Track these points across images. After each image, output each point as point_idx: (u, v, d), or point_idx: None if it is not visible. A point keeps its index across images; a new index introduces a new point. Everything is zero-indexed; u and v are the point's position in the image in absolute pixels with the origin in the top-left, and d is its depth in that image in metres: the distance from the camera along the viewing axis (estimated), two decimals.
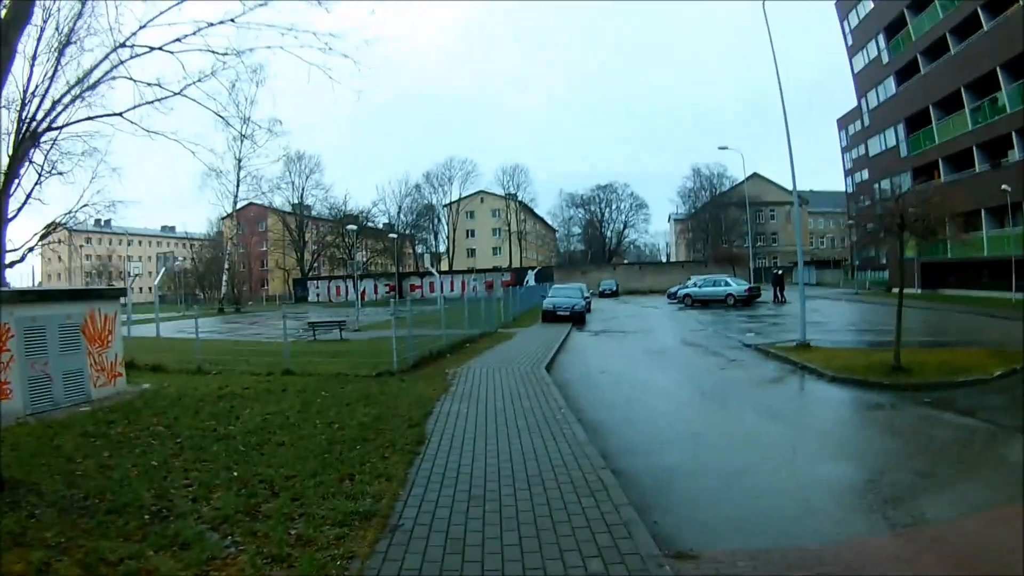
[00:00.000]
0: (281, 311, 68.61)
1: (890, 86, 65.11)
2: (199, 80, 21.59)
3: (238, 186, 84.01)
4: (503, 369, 19.44)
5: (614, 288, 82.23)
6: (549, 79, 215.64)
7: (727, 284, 54.94)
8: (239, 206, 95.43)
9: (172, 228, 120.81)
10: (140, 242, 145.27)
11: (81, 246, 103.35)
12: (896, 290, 24.31)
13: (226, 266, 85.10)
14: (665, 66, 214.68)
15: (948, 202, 19.29)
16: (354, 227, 75.74)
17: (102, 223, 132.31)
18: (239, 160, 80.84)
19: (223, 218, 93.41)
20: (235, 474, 9.25)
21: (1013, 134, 46.73)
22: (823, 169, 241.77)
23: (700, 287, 55.52)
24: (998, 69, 47.01)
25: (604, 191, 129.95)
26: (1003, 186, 44.86)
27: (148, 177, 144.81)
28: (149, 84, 21.11)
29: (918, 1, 57.70)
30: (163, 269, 55.60)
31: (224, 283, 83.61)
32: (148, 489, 8.61)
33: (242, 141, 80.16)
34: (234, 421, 12.71)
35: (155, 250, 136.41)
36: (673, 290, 62.66)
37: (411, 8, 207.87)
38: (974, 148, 51.26)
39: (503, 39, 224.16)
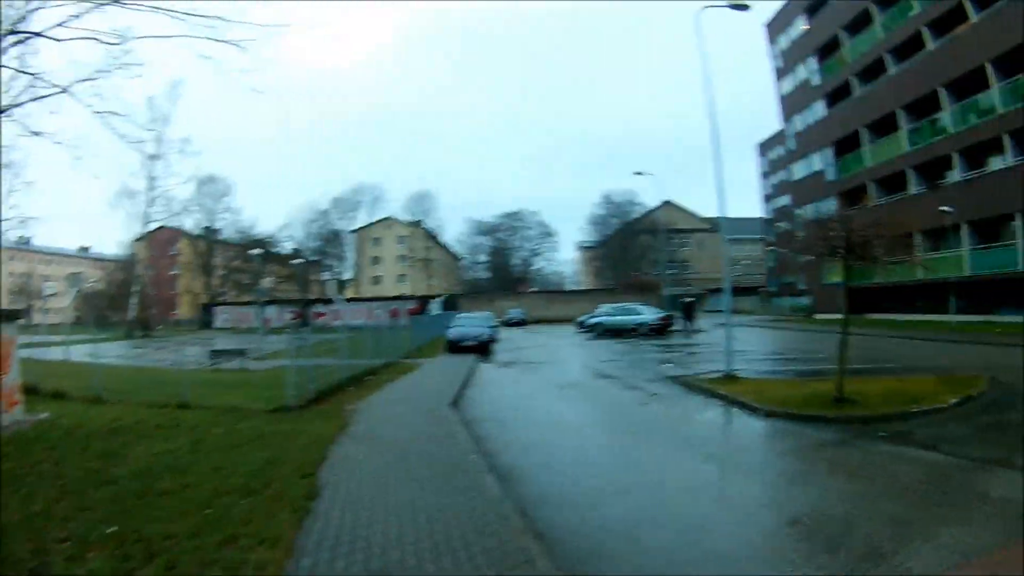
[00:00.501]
0: (186, 337, 67.32)
1: (819, 109, 65.58)
2: (94, 78, 19.39)
3: (149, 206, 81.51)
4: (406, 405, 18.04)
5: (521, 317, 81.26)
6: (462, 107, 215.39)
7: (639, 312, 53.31)
8: (152, 227, 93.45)
9: (87, 249, 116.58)
10: (59, 262, 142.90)
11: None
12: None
13: (134, 289, 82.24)
14: (580, 94, 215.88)
15: (898, 223, 17.38)
16: (258, 252, 73.49)
17: (23, 241, 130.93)
18: (151, 180, 78.99)
19: (136, 240, 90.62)
20: (114, 529, 7.83)
21: (954, 155, 47.29)
22: (738, 196, 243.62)
23: (611, 316, 53.88)
24: (941, 89, 47.43)
25: (511, 218, 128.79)
26: (942, 207, 44.48)
27: (72, 196, 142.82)
28: (33, 74, 18.86)
29: (855, 22, 58.17)
30: (74, 291, 53.14)
31: (132, 307, 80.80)
32: (28, 540, 7.52)
33: (154, 161, 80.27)
34: (121, 461, 11.29)
35: (73, 270, 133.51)
36: (583, 319, 61.15)
37: (322, 31, 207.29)
38: (908, 170, 51.68)
39: (419, 65, 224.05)
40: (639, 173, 63.88)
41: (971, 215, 46.41)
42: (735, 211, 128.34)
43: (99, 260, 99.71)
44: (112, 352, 43.47)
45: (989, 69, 43.83)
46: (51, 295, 50.62)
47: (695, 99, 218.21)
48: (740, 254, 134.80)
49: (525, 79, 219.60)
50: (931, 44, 49.22)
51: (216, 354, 32.85)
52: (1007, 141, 43.49)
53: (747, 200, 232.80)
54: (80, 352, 38.59)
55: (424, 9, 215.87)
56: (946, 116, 48.22)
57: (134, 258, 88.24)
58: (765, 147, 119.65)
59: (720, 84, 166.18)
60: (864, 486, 10.34)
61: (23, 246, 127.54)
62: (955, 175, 48.10)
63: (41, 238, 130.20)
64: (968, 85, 46.01)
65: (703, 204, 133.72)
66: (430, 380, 24.43)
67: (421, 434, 13.86)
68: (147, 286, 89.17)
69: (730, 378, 21.77)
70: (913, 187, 51.59)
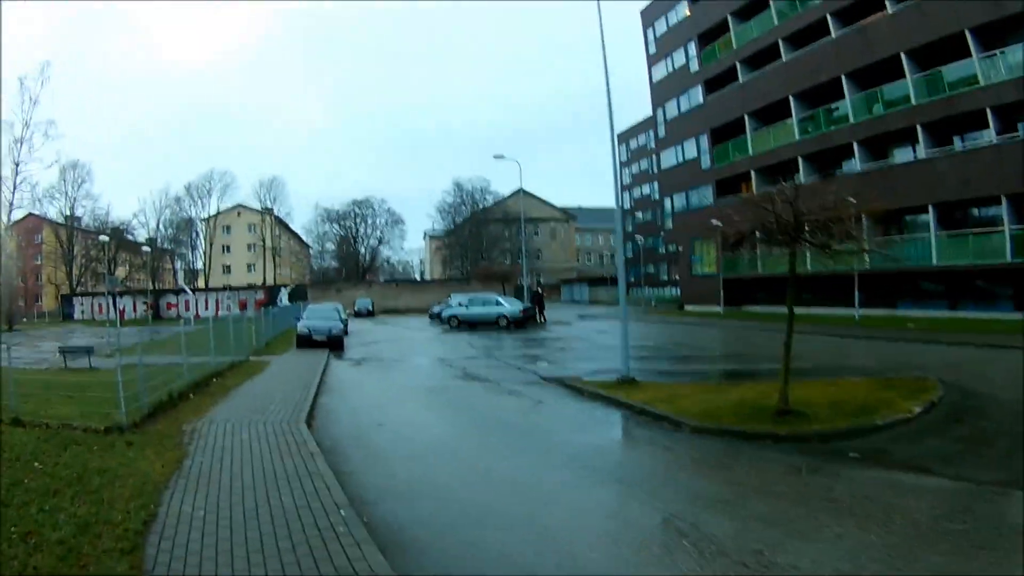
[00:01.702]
0: (45, 331, 64.09)
1: (696, 96, 64.69)
2: None
3: (14, 192, 77.41)
4: (253, 423, 15.30)
5: (370, 307, 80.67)
6: (313, 93, 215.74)
7: (498, 304, 52.20)
8: (18, 218, 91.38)
9: None
10: None
11: None
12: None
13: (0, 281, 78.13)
14: (433, 83, 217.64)
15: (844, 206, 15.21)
16: (105, 238, 70.47)
17: None
18: (16, 164, 75.40)
19: (7, 228, 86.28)
20: None
21: (855, 144, 46.87)
22: (596, 185, 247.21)
23: (468, 307, 52.61)
24: (843, 78, 46.70)
25: (360, 206, 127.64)
26: (847, 198, 43.91)
27: None
28: None
29: (747, 8, 57.44)
30: None
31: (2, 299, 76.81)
32: None
33: (21, 144, 76.45)
34: None
35: None
36: (436, 310, 60.68)
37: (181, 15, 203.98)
38: (800, 159, 50.64)
39: (274, 53, 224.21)
40: (499, 156, 61.51)
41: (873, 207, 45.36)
42: (588, 201, 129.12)
43: None
44: None
45: (904, 60, 43.17)
46: None
47: (535, 88, 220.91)
48: (593, 244, 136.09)
49: (372, 76, 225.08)
50: (835, 32, 48.60)
51: (65, 352, 30.16)
52: (921, 133, 43.01)
53: (604, 189, 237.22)
54: None
55: (279, 9, 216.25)
56: (847, 105, 47.74)
57: (6, 252, 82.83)
58: (625, 136, 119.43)
59: (580, 71, 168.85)
60: (875, 530, 8.11)
61: None
62: (855, 165, 47.40)
63: None
64: (875, 75, 45.53)
65: (555, 193, 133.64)
66: (280, 385, 22.28)
67: (273, 472, 11.10)
68: (9, 278, 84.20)
69: (628, 382, 19.74)
70: (803, 176, 49.97)
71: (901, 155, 45.70)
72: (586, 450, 13.21)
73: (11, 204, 78.21)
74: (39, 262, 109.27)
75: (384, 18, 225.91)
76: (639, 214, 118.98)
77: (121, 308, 78.44)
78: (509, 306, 51.23)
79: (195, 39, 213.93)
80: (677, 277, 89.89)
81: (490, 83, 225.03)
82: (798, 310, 43.21)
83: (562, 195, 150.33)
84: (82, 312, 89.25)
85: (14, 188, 77.00)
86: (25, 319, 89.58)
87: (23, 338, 54.58)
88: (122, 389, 14.89)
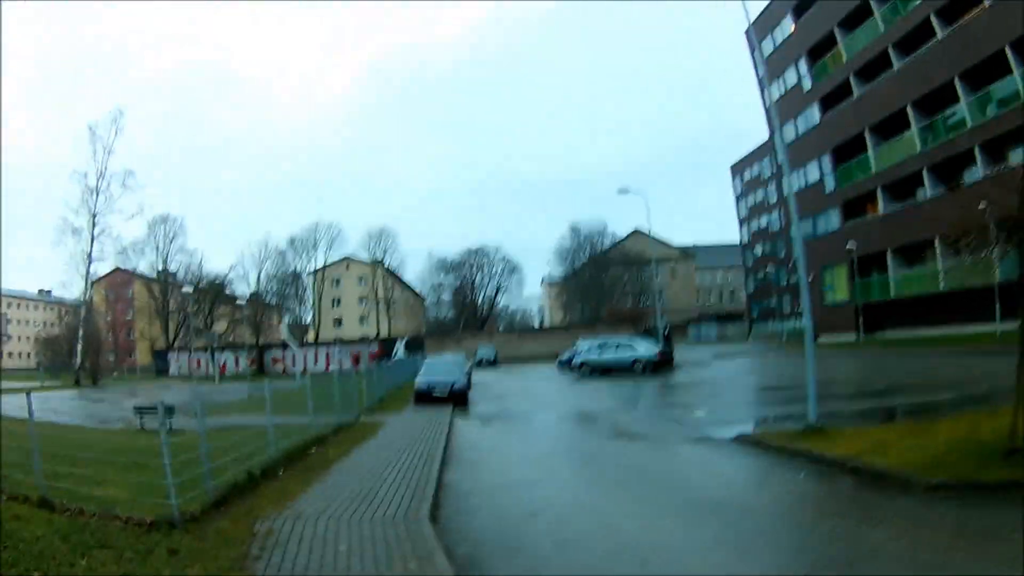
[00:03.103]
0: (133, 386, 62.11)
1: (812, 115, 60.24)
2: None
3: (92, 244, 76.72)
4: (356, 519, 10.79)
5: (492, 357, 76.17)
6: (419, 146, 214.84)
7: (632, 347, 47.44)
8: (106, 272, 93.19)
9: (48, 292, 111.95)
10: (19, 305, 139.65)
11: None
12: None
13: (80, 334, 76.62)
14: (543, 133, 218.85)
15: None
16: (189, 289, 68.05)
17: None
18: (93, 216, 73.88)
19: (93, 283, 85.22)
20: None
21: (976, 148, 42.32)
22: (710, 221, 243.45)
23: (600, 353, 48.14)
24: (956, 80, 42.77)
25: (475, 255, 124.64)
26: (980, 205, 40.25)
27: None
28: None
29: (852, 17, 53.93)
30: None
31: (79, 353, 75.20)
32: None
33: (96, 195, 75.13)
34: None
35: (32, 314, 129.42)
36: (565, 357, 56.23)
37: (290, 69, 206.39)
38: (924, 172, 46.75)
39: (378, 104, 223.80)
40: (624, 191, 57.86)
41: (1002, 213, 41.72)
42: (707, 237, 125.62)
43: (60, 304, 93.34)
44: (45, 404, 37.76)
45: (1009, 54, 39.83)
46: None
47: (647, 127, 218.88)
48: (712, 283, 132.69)
49: (478, 123, 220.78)
50: (940, 32, 45.25)
51: (142, 411, 27.22)
52: None
53: (719, 225, 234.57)
54: (11, 404, 32.83)
55: (378, 57, 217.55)
56: (963, 108, 43.98)
57: (85, 302, 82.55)
58: (738, 167, 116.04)
59: (683, 112, 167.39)
60: None
61: None
62: (977, 172, 42.75)
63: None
64: (985, 73, 42.10)
65: (671, 233, 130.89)
66: (395, 454, 17.47)
67: None
68: (96, 331, 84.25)
69: (816, 431, 15.95)
70: (929, 190, 47.10)
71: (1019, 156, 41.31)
72: (830, 541, 9.18)
73: (90, 255, 76.99)
74: (130, 317, 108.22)
75: (491, 67, 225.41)
76: (758, 247, 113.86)
77: (222, 363, 78.42)
78: (644, 349, 47.13)
79: (300, 94, 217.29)
80: (798, 309, 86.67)
81: (589, 130, 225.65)
82: (931, 331, 39.09)
83: (678, 235, 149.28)
84: (178, 368, 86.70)
85: (91, 240, 75.77)
86: (116, 374, 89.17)
87: (107, 394, 52.88)
88: (171, 472, 10.80)
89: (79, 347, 76.50)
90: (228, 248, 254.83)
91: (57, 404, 40.86)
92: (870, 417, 19.24)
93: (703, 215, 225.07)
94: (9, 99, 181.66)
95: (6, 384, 42.69)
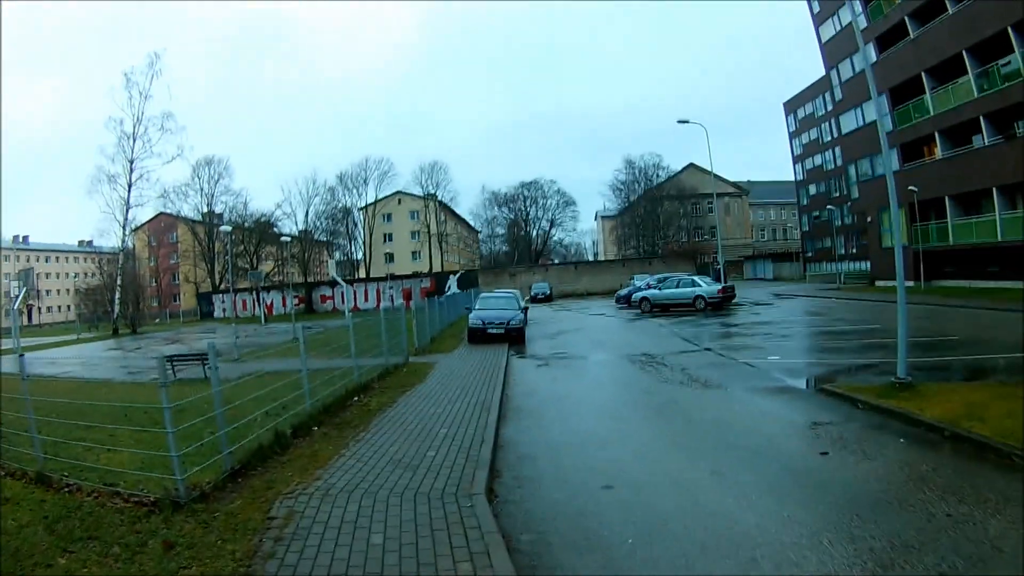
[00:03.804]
0: (175, 331, 61.31)
1: (869, 54, 57.47)
2: None
3: (129, 190, 75.79)
4: (396, 496, 8.99)
5: (547, 292, 75.27)
6: (473, 83, 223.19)
7: (695, 284, 45.96)
8: (149, 217, 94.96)
9: (89, 243, 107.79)
10: (57, 258, 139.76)
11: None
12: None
13: (119, 283, 76.12)
14: (597, 72, 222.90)
15: None
16: (227, 228, 66.89)
17: (19, 239, 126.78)
18: (131, 162, 73.01)
19: (134, 230, 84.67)
20: None
21: None
22: (766, 158, 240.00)
23: (661, 289, 46.98)
24: (1009, 29, 40.74)
25: (529, 188, 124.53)
26: None
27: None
28: None
29: None
30: (23, 288, 47.09)
31: (117, 301, 74.60)
32: None
33: (133, 140, 74.25)
34: None
35: (71, 267, 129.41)
36: (623, 292, 55.43)
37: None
38: (981, 119, 44.46)
39: (430, 43, 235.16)
40: (684, 121, 56.01)
41: None
42: (762, 175, 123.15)
43: (101, 254, 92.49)
44: (80, 356, 40.36)
45: None
46: (22, 294, 45.06)
47: (699, 68, 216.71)
48: (765, 219, 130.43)
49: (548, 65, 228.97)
50: None
51: (171, 361, 24.75)
52: None
53: (775, 162, 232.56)
54: (42, 359, 35.79)
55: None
56: (1017, 58, 41.33)
57: (123, 249, 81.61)
58: (791, 105, 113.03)
59: (730, 41, 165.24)
60: None
61: (21, 245, 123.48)
62: None
63: (39, 234, 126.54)
64: None
65: (724, 169, 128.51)
66: (445, 405, 15.60)
67: None
68: (135, 278, 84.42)
69: (906, 386, 14.38)
70: (987, 138, 44.78)
71: None
72: (952, 529, 7.72)
73: (127, 202, 75.91)
74: (174, 261, 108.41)
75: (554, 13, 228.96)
76: (812, 187, 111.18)
77: (268, 303, 79.42)
78: (706, 286, 45.53)
79: (359, 41, 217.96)
80: (854, 251, 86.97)
81: (644, 68, 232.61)
82: (989, 283, 37.56)
83: (731, 172, 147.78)
84: (223, 310, 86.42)
85: (129, 187, 74.75)
86: (158, 320, 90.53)
87: (144, 342, 52.32)
88: (175, 442, 9.14)
89: (117, 296, 76.20)
90: (275, 188, 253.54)
91: (90, 356, 40.62)
92: (953, 372, 17.75)
93: (756, 153, 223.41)
94: (53, 55, 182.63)
95: (41, 340, 41.80)
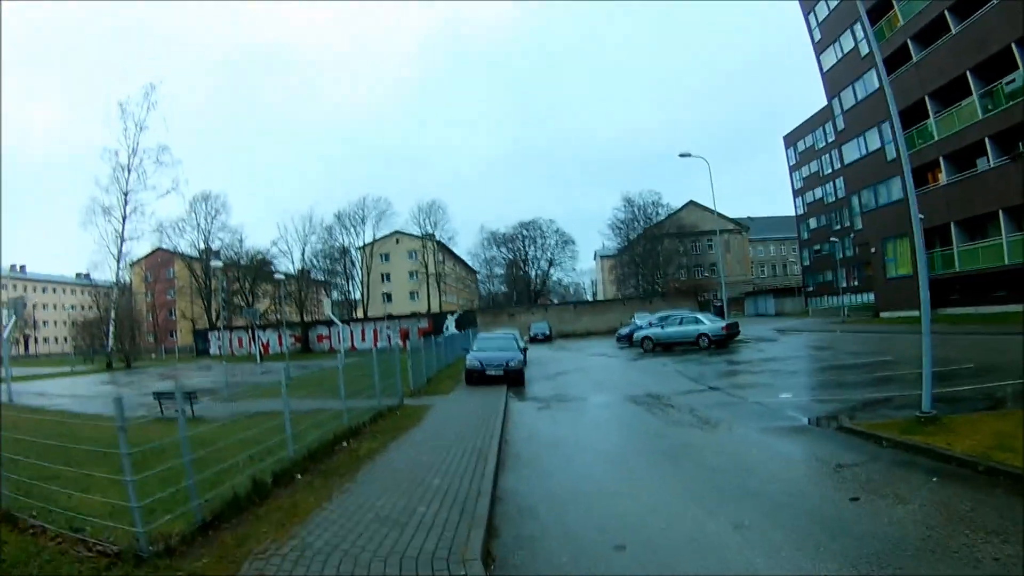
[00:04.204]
0: (169, 368, 60.77)
1: (871, 81, 57.32)
2: None
3: (124, 223, 75.56)
4: (383, 558, 8.06)
5: (547, 332, 74.39)
6: (469, 123, 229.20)
7: (698, 321, 44.95)
8: (146, 252, 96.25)
9: (86, 275, 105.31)
10: (55, 289, 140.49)
11: None
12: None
13: (112, 316, 75.60)
14: (592, 111, 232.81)
15: None
16: (218, 263, 66.63)
17: (17, 268, 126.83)
18: (125, 194, 72.80)
19: (131, 264, 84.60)
20: None
21: None
22: (764, 193, 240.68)
23: (663, 327, 45.96)
24: (1013, 46, 40.61)
25: (528, 228, 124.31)
26: None
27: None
28: None
29: None
30: (12, 317, 46.63)
31: (111, 335, 74.18)
32: None
33: (128, 172, 73.83)
34: None
35: (68, 299, 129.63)
36: (625, 331, 54.30)
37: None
38: (986, 140, 44.30)
39: (426, 82, 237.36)
40: (685, 155, 55.39)
41: None
42: (761, 210, 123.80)
43: (96, 287, 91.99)
44: (69, 389, 40.32)
45: None
46: (12, 322, 45.34)
47: (694, 99, 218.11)
48: (765, 255, 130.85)
49: (522, 97, 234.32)
50: None
51: (161, 397, 25.12)
52: None
53: (774, 197, 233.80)
54: (31, 390, 36.41)
55: (429, 32, 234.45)
56: (1021, 75, 41.16)
57: (117, 283, 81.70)
58: (791, 138, 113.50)
59: (731, 77, 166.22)
60: None
61: (18, 274, 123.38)
62: None
63: (36, 265, 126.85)
64: None
65: (723, 204, 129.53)
66: (439, 451, 14.54)
67: None
68: (130, 313, 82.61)
69: (931, 420, 13.74)
70: (992, 159, 44.38)
71: None
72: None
73: (122, 235, 75.76)
74: (171, 297, 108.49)
75: (540, 44, 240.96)
76: (812, 220, 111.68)
77: (264, 342, 78.66)
78: (709, 323, 44.51)
79: (348, 71, 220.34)
80: (856, 283, 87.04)
81: (641, 104, 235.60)
82: (995, 309, 37.13)
83: (729, 208, 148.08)
84: (219, 347, 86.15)
85: (123, 219, 74.42)
86: (154, 355, 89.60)
87: (137, 377, 51.83)
88: (136, 492, 8.40)
89: (111, 329, 75.86)
90: (271, 225, 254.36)
91: (80, 390, 40.43)
92: (975, 402, 17.00)
93: (754, 188, 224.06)
94: (49, 82, 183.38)
95: (34, 371, 41.27)
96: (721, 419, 17.61)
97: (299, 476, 12.36)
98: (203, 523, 9.20)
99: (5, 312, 47.40)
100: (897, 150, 51.65)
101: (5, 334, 42.99)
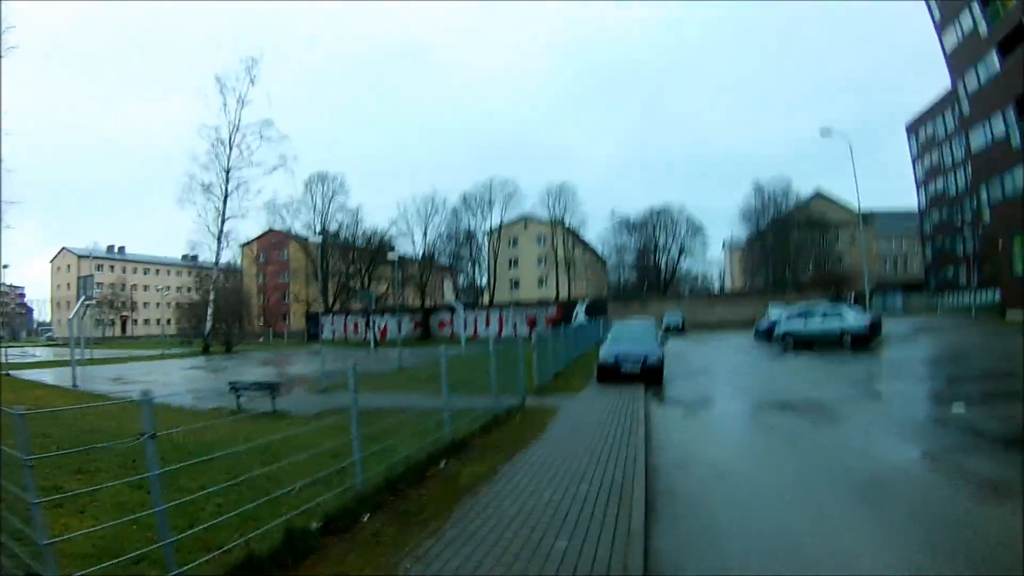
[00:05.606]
0: (271, 353, 58.63)
1: (992, 63, 52.90)
2: None
3: (225, 201, 74.70)
4: None
5: (680, 323, 70.48)
6: (600, 111, 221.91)
7: (841, 317, 40.44)
8: (258, 233, 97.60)
9: (195, 257, 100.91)
10: (158, 271, 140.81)
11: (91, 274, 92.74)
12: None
13: (211, 298, 75.15)
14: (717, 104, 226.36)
15: None
16: (318, 238, 64.16)
17: (115, 250, 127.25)
18: (227, 171, 71.81)
19: (242, 246, 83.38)
20: None
21: None
22: (884, 185, 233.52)
23: (804, 322, 41.57)
24: None
25: (659, 215, 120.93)
26: None
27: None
28: None
29: None
30: (82, 297, 45.24)
31: (210, 318, 73.04)
32: None
33: (229, 148, 72.14)
34: None
35: (172, 280, 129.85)
36: (764, 325, 49.90)
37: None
38: None
39: (563, 73, 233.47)
40: (827, 133, 52.33)
41: None
42: (881, 203, 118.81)
43: (200, 268, 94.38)
44: (149, 375, 38.38)
45: None
46: (88, 304, 44.40)
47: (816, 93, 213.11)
48: (887, 250, 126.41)
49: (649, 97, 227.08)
50: None
51: (235, 390, 22.37)
52: None
53: (895, 189, 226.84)
54: (107, 375, 35.43)
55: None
56: None
57: (222, 266, 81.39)
58: (914, 126, 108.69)
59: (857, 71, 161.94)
60: None
61: (116, 255, 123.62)
62: None
63: (139, 246, 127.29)
64: None
65: (847, 195, 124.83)
66: (564, 484, 10.63)
67: None
68: (232, 295, 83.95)
69: None
70: None
71: None
72: None
73: (223, 213, 74.99)
74: (284, 280, 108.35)
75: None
76: (935, 213, 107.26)
77: (382, 327, 76.54)
78: (853, 319, 40.28)
79: (490, 61, 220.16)
80: (980, 280, 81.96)
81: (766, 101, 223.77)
82: None
83: (852, 201, 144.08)
84: (332, 332, 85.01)
85: (224, 197, 73.53)
86: (261, 339, 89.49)
87: (234, 362, 50.51)
88: (166, 523, 6.35)
89: (210, 311, 74.78)
90: (388, 204, 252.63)
91: (165, 375, 38.71)
92: None
93: (872, 179, 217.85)
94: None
95: (124, 353, 39.39)
96: (917, 440, 14.20)
97: (366, 518, 8.88)
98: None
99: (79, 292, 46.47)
100: (1021, 135, 47.90)
101: (74, 313, 41.72)
